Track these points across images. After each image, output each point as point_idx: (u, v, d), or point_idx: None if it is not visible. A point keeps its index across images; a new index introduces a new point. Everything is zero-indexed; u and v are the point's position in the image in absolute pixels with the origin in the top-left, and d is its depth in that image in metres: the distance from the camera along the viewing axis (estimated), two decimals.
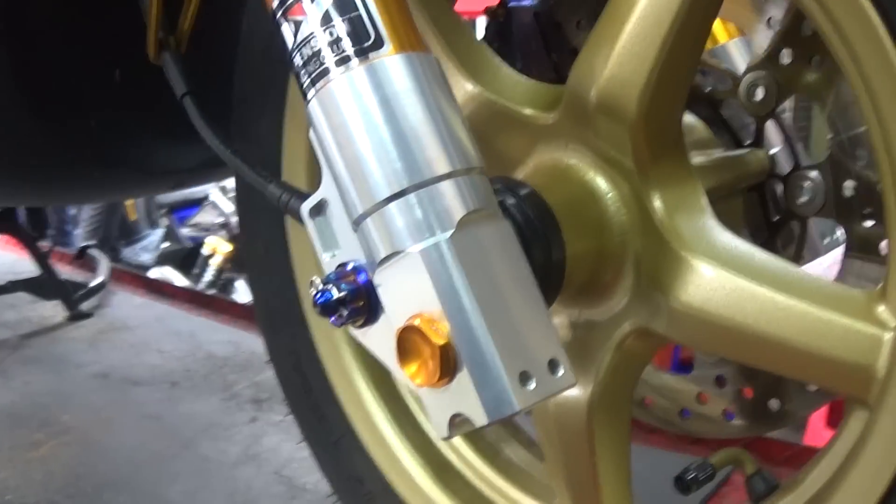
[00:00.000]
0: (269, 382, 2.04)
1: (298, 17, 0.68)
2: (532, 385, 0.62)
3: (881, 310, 0.69)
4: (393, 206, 0.65)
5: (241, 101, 1.16)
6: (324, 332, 1.15)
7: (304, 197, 0.88)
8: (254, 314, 2.53)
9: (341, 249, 0.73)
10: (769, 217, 0.97)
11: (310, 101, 0.68)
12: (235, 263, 5.19)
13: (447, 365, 0.62)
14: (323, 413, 1.16)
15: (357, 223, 0.68)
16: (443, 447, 1.11)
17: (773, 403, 1.00)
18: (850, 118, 0.89)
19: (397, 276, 0.65)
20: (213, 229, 5.33)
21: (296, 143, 1.11)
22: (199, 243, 5.19)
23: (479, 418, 0.62)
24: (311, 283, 0.71)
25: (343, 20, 0.66)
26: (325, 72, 0.67)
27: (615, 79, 0.77)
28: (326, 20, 0.67)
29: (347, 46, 0.66)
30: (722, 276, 0.75)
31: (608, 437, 0.89)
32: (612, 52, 0.77)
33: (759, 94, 0.92)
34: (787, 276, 0.74)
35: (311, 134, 0.70)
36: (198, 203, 5.51)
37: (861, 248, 0.89)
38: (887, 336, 0.68)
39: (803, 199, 0.92)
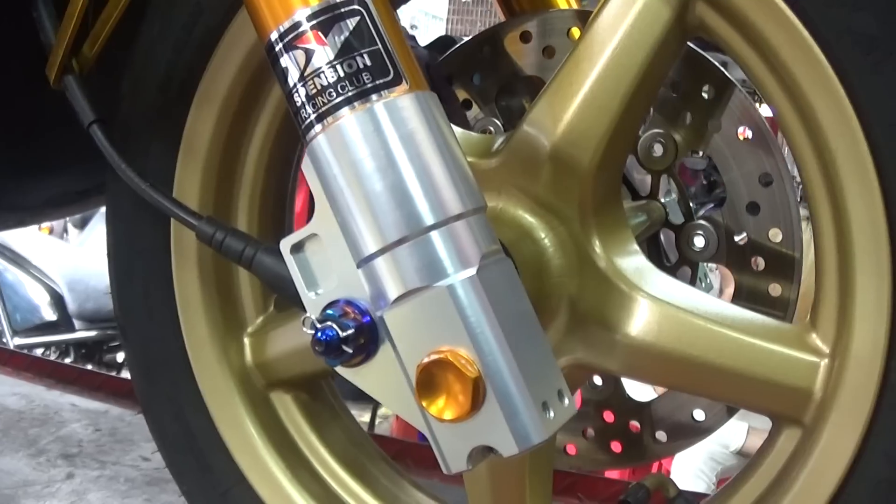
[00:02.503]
0: (75, 436, 1.90)
1: (308, 46, 0.67)
2: (551, 414, 0.65)
3: (813, 338, 0.78)
4: (409, 245, 0.65)
5: (126, 132, 1.10)
6: (210, 378, 1.11)
7: (237, 234, 0.87)
8: (40, 366, 2.38)
9: (323, 288, 0.72)
10: (663, 261, 1.05)
11: (314, 136, 0.67)
12: None
13: (478, 398, 0.63)
14: (209, 463, 1.11)
15: (366, 261, 0.67)
16: (342, 493, 1.09)
17: (660, 436, 1.08)
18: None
19: (416, 313, 0.65)
20: None
21: (188, 179, 1.07)
22: None
23: (509, 448, 0.63)
24: (304, 321, 0.70)
25: (362, 53, 0.66)
26: (338, 106, 0.66)
27: (574, 129, 0.82)
28: (343, 53, 0.66)
29: (366, 81, 0.66)
30: (671, 313, 0.82)
31: (537, 470, 0.93)
32: (572, 105, 0.82)
33: (658, 150, 1.01)
34: (727, 312, 0.82)
35: (308, 169, 0.69)
36: None
37: (748, 297, 0.99)
38: (823, 362, 0.77)
39: (697, 246, 1.01)
